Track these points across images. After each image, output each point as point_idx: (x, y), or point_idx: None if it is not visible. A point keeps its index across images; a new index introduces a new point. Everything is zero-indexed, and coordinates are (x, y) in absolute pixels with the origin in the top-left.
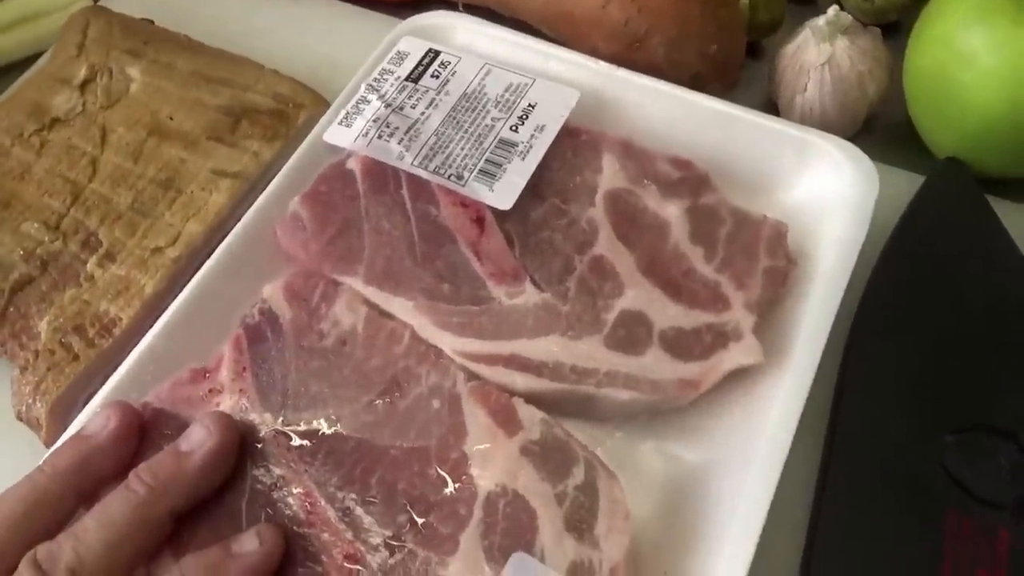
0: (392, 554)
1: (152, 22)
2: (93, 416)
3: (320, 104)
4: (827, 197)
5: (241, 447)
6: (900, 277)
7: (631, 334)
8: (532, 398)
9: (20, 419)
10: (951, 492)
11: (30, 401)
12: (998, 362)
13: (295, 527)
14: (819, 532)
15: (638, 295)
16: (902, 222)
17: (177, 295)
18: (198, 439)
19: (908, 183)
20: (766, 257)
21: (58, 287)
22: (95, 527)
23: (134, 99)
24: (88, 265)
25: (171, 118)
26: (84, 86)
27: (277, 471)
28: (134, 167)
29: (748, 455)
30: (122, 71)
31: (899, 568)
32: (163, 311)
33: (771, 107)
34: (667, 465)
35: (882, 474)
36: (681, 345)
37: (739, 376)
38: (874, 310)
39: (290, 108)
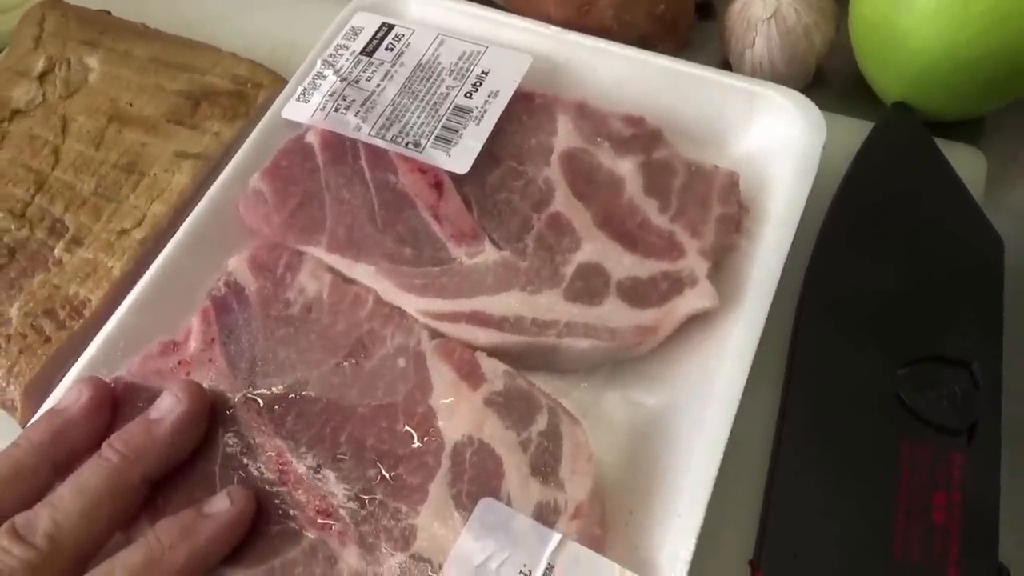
0: (363, 506)
1: (109, 13)
2: (66, 391)
3: (279, 83)
4: (776, 145)
5: (212, 415)
6: (853, 219)
7: (589, 285)
8: (495, 352)
9: None
10: (905, 421)
11: (3, 384)
12: (950, 296)
13: (268, 487)
14: (779, 467)
15: (595, 248)
16: (853, 166)
17: None
18: (167, 406)
19: (859, 131)
20: (719, 205)
21: (27, 273)
22: (71, 495)
23: (93, 88)
24: (56, 250)
25: (131, 104)
26: (43, 77)
27: (248, 436)
28: (96, 153)
29: (706, 396)
30: (80, 61)
31: (859, 498)
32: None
33: (725, 66)
34: (631, 412)
35: (839, 408)
36: (638, 293)
37: (696, 322)
38: (828, 252)
39: (249, 88)
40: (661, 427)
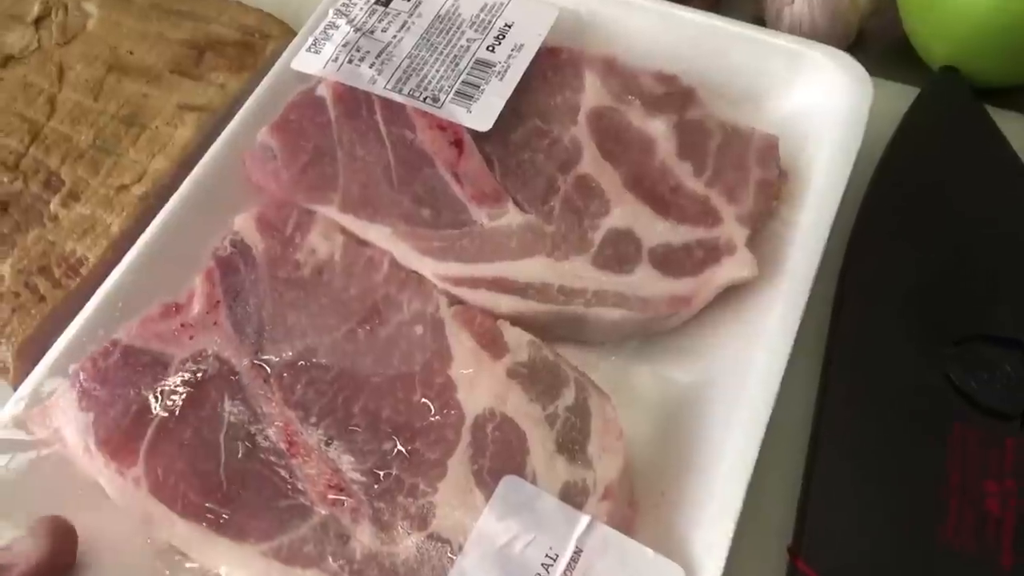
0: (378, 482)
1: None
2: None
3: (288, 34)
4: (819, 108)
5: (216, 381)
6: (897, 189)
7: (619, 252)
8: (519, 321)
9: None
10: (956, 404)
11: None
12: (998, 271)
13: (276, 459)
14: (819, 448)
15: (625, 212)
16: (898, 133)
17: None
18: (20, 552)
19: (904, 96)
20: (757, 169)
21: (20, 228)
22: None
23: (92, 35)
24: (51, 205)
25: (131, 53)
26: (38, 22)
27: (255, 404)
28: (94, 104)
29: (744, 372)
30: (78, 6)
31: (905, 483)
32: None
33: (759, 24)
34: (662, 387)
35: (884, 389)
36: (672, 261)
37: (731, 293)
38: (871, 223)
39: (257, 39)
40: (694, 404)
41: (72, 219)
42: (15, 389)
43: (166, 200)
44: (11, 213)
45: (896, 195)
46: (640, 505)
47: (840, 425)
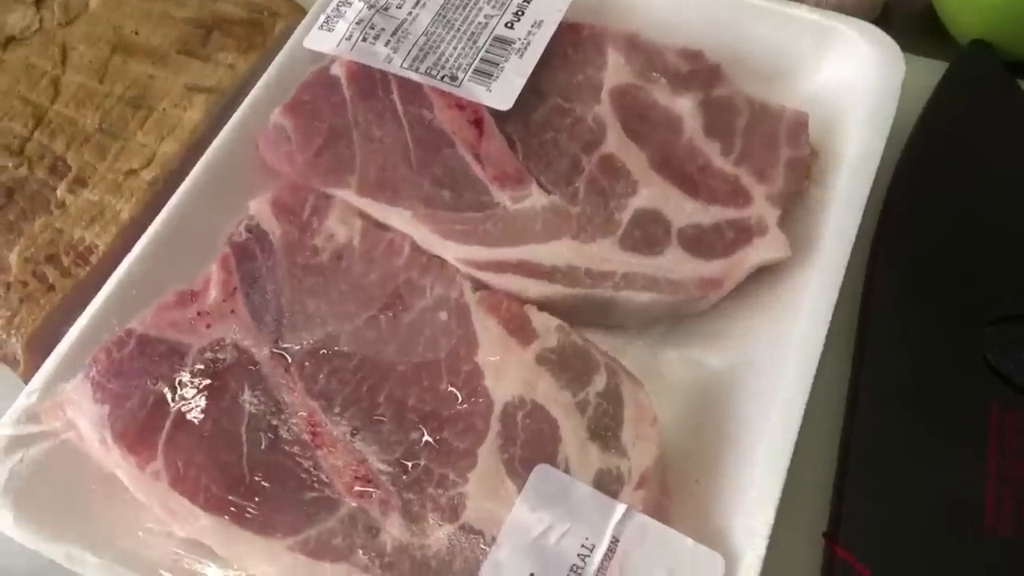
0: (406, 472)
1: None
2: None
3: (297, 12)
4: (849, 84)
5: (235, 371)
6: (928, 166)
7: (647, 234)
8: (545, 306)
9: None
10: (993, 384)
11: (3, 336)
12: None
13: (300, 450)
14: (854, 431)
15: (653, 193)
16: (928, 109)
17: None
18: None
19: (930, 70)
20: (787, 148)
21: (26, 216)
22: None
23: (95, 14)
24: (58, 191)
25: (136, 33)
26: (39, 2)
27: (277, 393)
28: (99, 86)
29: (778, 355)
30: None
31: (942, 467)
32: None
33: None
34: (692, 372)
35: (919, 371)
36: (702, 243)
37: (762, 275)
38: (902, 202)
39: (265, 17)
40: (726, 389)
41: (80, 205)
42: (26, 382)
43: (176, 185)
44: (16, 200)
45: (927, 172)
46: (674, 493)
47: (875, 408)
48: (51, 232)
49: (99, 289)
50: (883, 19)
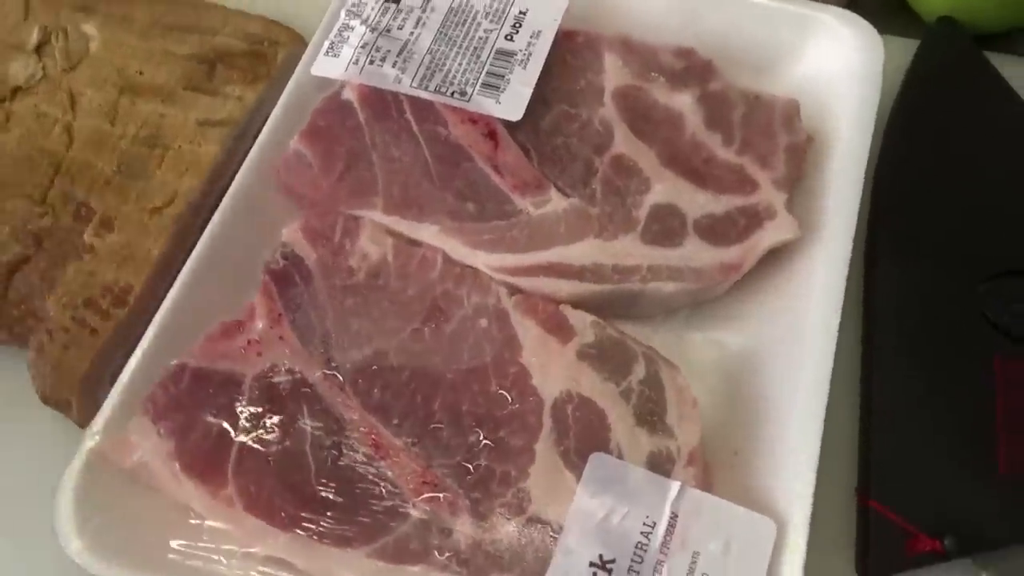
0: (469, 474)
1: None
2: None
3: (297, 40)
4: (832, 69)
5: (292, 394)
6: (912, 140)
7: (666, 227)
8: (578, 303)
9: (46, 402)
10: (994, 338)
11: (54, 382)
12: (1019, 208)
13: (365, 463)
14: (872, 393)
15: (666, 188)
16: (905, 86)
17: (186, 253)
18: None
19: (903, 49)
20: (784, 134)
21: (58, 263)
22: None
23: (97, 58)
24: (85, 236)
25: (140, 73)
26: (40, 50)
27: (335, 412)
28: (112, 128)
29: (797, 329)
30: (77, 29)
31: (955, 417)
32: (174, 272)
33: None
34: (717, 352)
35: (925, 331)
36: (717, 231)
37: (773, 256)
38: (892, 175)
39: (266, 47)
40: (751, 365)
41: (109, 247)
42: (81, 426)
43: (199, 219)
44: (46, 248)
45: (911, 146)
46: (714, 466)
47: (888, 368)
48: (84, 276)
49: (138, 328)
50: (852, 2)
